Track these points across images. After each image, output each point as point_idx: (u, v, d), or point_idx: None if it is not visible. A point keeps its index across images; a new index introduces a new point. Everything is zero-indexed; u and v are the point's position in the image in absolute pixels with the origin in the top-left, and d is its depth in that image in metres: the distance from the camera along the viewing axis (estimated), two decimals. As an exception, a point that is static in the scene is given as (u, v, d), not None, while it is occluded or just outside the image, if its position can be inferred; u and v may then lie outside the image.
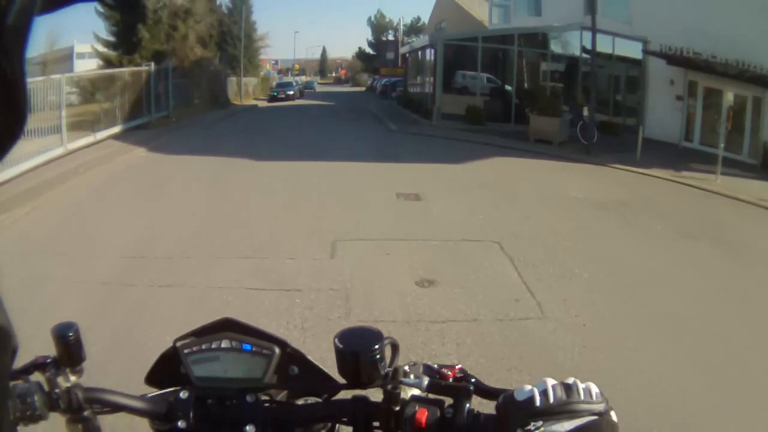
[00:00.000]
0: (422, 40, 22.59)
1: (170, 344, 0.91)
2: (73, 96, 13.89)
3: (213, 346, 0.86)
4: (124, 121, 15.98)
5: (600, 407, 0.65)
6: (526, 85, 19.40)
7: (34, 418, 0.74)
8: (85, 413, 0.79)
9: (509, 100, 18.88)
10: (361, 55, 69.55)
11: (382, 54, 53.80)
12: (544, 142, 15.25)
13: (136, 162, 11.84)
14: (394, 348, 0.82)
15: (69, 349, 0.82)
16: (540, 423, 0.64)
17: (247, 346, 0.86)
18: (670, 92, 16.38)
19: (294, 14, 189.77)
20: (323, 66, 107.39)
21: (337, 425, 0.87)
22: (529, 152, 14.07)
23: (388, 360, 0.80)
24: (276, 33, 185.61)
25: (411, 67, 27.99)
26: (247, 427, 0.80)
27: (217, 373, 0.85)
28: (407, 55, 28.54)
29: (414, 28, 60.90)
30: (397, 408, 0.74)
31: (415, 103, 24.35)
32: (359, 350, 0.76)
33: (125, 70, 18.15)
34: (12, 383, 0.74)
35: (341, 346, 0.77)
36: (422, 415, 0.72)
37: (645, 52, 17.05)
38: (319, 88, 62.95)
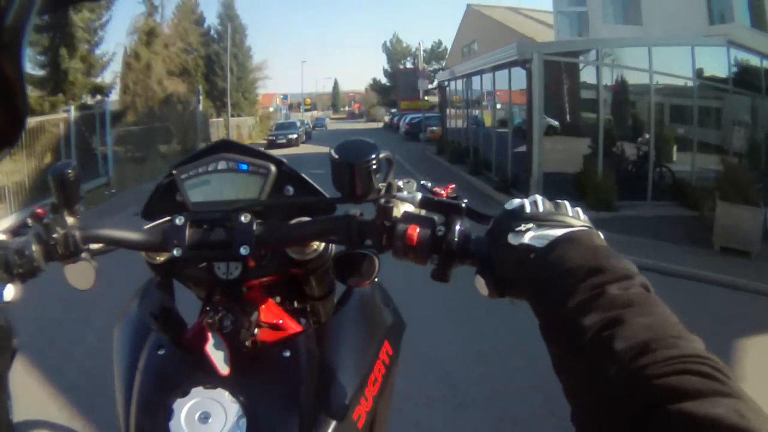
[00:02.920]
0: (487, 57, 14.54)
1: None
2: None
3: (209, 168, 0.82)
4: (22, 205, 9.41)
5: (588, 223, 0.66)
6: (651, 129, 10.62)
7: (33, 271, 0.72)
8: (83, 255, 0.76)
9: (642, 158, 10.62)
10: (375, 86, 62.40)
11: (400, 84, 46.85)
12: (734, 253, 7.46)
13: None
14: (389, 163, 0.83)
15: (67, 189, 0.78)
16: (530, 225, 0.63)
17: (244, 166, 0.82)
18: None
19: (300, 43, 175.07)
20: (335, 100, 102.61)
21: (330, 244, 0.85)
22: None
23: (383, 175, 0.79)
24: (282, 64, 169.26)
25: (452, 99, 20.43)
26: (241, 249, 0.75)
27: (213, 196, 0.82)
28: (446, 83, 20.82)
29: (435, 54, 54.32)
30: (389, 224, 0.72)
31: (463, 154, 16.83)
32: (354, 161, 0.73)
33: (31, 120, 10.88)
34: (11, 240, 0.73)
35: (337, 157, 0.74)
36: (413, 231, 0.70)
37: None
38: (330, 125, 56.21)
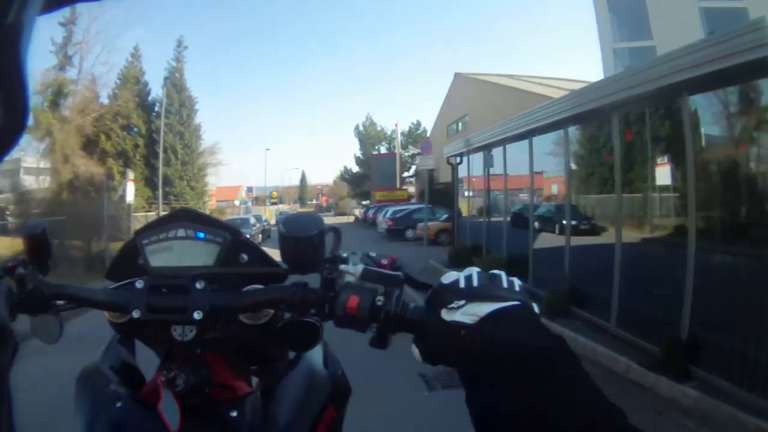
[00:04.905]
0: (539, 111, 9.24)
1: None
2: None
3: (170, 235, 0.87)
4: None
5: (522, 296, 0.69)
6: None
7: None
8: (50, 310, 0.82)
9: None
10: (346, 175, 57.10)
11: (375, 172, 42.03)
12: None
13: None
14: (337, 236, 0.87)
15: (37, 245, 0.84)
16: (463, 302, 0.67)
17: (201, 234, 0.87)
18: None
19: (263, 129, 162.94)
20: (302, 193, 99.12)
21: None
22: None
23: (330, 248, 0.83)
24: (246, 154, 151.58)
25: (470, 180, 14.65)
26: (195, 313, 0.80)
27: (172, 261, 0.87)
28: (459, 158, 14.81)
29: (413, 136, 49.69)
30: (332, 294, 0.77)
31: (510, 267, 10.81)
32: (300, 235, 0.79)
33: None
34: None
35: (284, 231, 0.80)
36: (354, 301, 0.74)
37: None
38: (297, 220, 50.15)
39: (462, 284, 0.69)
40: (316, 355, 0.96)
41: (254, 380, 1.03)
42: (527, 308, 0.67)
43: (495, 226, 12.30)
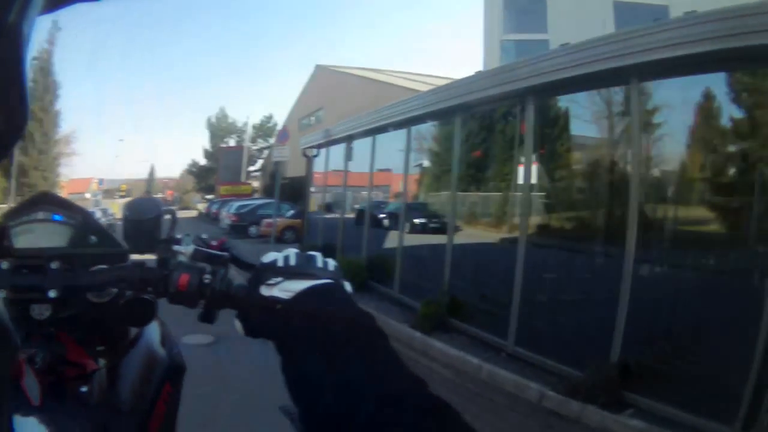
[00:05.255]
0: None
1: None
2: None
3: (31, 217, 0.92)
4: None
5: (334, 275, 0.75)
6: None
7: None
8: None
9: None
10: (194, 168, 53.49)
11: (221, 165, 39.79)
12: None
13: None
14: (173, 219, 0.91)
15: None
16: (280, 279, 0.72)
17: (57, 217, 0.92)
18: None
19: (117, 118, 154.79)
20: (149, 186, 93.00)
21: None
22: None
23: (167, 229, 0.89)
24: (99, 144, 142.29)
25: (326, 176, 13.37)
26: (50, 292, 0.82)
27: (32, 243, 0.90)
28: (316, 151, 13.29)
29: (263, 129, 48.24)
30: (166, 273, 0.81)
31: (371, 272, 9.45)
32: (140, 219, 0.86)
33: None
34: None
35: (127, 214, 0.88)
36: (184, 279, 0.79)
37: None
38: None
39: (280, 263, 0.75)
40: (154, 333, 0.99)
41: (100, 361, 1.02)
42: (338, 286, 0.74)
43: (351, 224, 11.33)
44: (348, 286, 0.76)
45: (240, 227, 20.48)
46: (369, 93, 19.44)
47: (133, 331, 0.98)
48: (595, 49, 5.14)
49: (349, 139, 11.14)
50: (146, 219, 0.85)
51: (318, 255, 0.77)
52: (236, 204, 23.02)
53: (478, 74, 7.44)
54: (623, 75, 5.05)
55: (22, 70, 0.33)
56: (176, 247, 0.85)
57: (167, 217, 0.91)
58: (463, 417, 0.56)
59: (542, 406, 4.83)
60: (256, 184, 40.11)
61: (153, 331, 1.01)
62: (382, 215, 10.59)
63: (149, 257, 0.86)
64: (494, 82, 6.52)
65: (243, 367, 5.02)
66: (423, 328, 6.67)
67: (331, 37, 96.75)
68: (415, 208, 9.56)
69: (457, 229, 7.85)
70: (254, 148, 45.85)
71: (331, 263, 0.77)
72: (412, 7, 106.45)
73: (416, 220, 9.30)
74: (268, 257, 0.77)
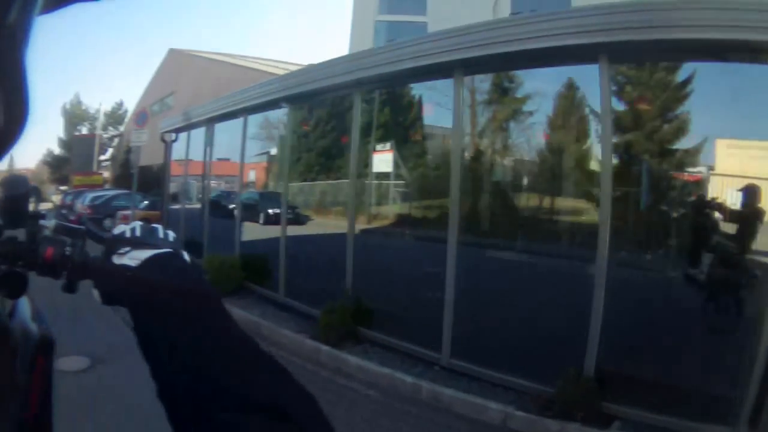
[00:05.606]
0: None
1: None
2: None
3: None
4: None
5: (174, 246, 0.83)
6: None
7: None
8: None
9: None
10: (49, 158, 49.74)
11: (74, 154, 37.56)
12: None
13: None
14: (37, 195, 0.93)
15: None
16: (129, 249, 0.81)
17: None
18: None
19: None
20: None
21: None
22: None
23: (34, 203, 0.90)
24: None
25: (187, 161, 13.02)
26: None
27: None
28: (175, 135, 12.56)
29: (114, 117, 46.36)
30: (34, 246, 0.84)
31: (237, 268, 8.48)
32: (8, 194, 0.86)
33: None
34: None
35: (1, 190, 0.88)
36: (49, 252, 0.83)
37: None
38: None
39: (128, 234, 0.83)
40: (25, 308, 0.98)
41: None
42: (177, 255, 0.81)
43: (218, 216, 10.54)
44: (185, 255, 0.82)
45: (95, 220, 19.82)
46: (223, 77, 19.36)
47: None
48: (421, 45, 5.33)
49: (208, 122, 10.42)
50: (19, 194, 0.86)
51: (160, 227, 0.86)
52: (90, 195, 21.61)
53: (310, 66, 7.45)
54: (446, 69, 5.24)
55: (22, 69, 0.34)
56: (42, 222, 0.88)
57: (32, 189, 0.92)
58: (291, 373, 0.64)
59: (509, 427, 4.15)
60: (106, 174, 38.23)
61: (24, 306, 1.01)
62: (231, 206, 9.95)
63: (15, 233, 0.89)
64: (324, 74, 6.56)
65: (121, 401, 4.11)
66: (327, 339, 5.72)
67: (188, 22, 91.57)
68: (269, 198, 9.34)
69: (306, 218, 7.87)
70: (105, 136, 43.63)
71: (171, 234, 0.85)
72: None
73: (270, 211, 8.89)
74: (118, 229, 0.85)
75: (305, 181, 8.67)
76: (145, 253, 0.79)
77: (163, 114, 23.34)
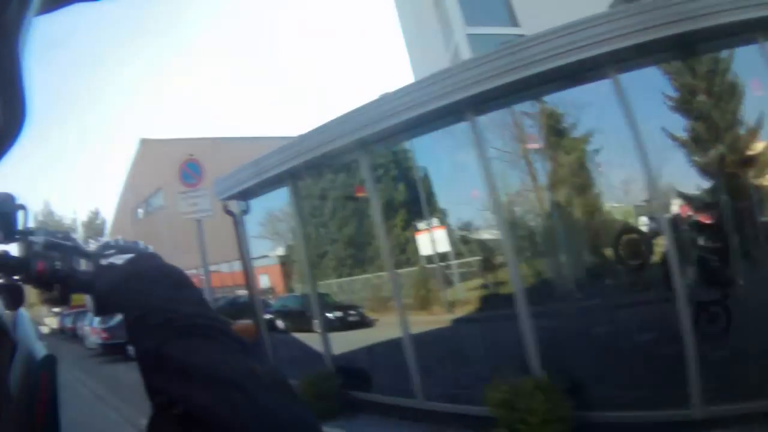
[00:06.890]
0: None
1: None
2: None
3: None
4: None
5: (146, 249, 0.91)
6: None
7: None
8: None
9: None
10: (34, 279, 48.20)
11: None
12: None
13: None
14: (25, 213, 0.94)
15: None
16: (113, 251, 0.88)
17: None
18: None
19: None
20: None
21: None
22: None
23: (24, 221, 0.93)
24: None
25: None
26: None
27: None
28: (245, 203, 8.95)
29: (93, 228, 45.00)
30: (27, 261, 0.88)
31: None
32: (4, 212, 0.89)
33: None
34: None
35: None
36: (41, 266, 0.87)
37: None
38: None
39: (112, 243, 0.91)
40: (28, 326, 1.03)
41: None
42: (157, 255, 0.89)
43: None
44: (159, 257, 0.88)
45: (115, 347, 17.56)
46: (222, 155, 18.17)
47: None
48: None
49: (291, 177, 7.71)
50: (7, 211, 0.89)
51: (140, 242, 0.93)
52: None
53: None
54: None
55: (21, 69, 0.33)
56: (31, 238, 0.90)
57: (19, 207, 0.96)
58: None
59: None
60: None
61: (26, 323, 1.05)
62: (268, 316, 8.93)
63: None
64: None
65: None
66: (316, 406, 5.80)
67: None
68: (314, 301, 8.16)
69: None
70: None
71: (142, 244, 0.93)
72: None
73: (331, 315, 7.93)
74: (101, 240, 0.92)
75: (341, 277, 7.89)
76: (130, 255, 0.86)
77: (157, 214, 22.08)
